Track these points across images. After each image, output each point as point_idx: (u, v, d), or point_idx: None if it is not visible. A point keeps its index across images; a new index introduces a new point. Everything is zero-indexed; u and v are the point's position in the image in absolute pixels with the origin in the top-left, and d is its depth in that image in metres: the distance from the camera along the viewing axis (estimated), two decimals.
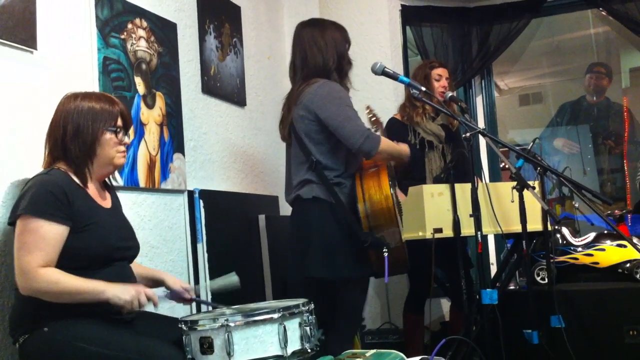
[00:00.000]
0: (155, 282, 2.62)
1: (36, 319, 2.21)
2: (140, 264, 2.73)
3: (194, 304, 3.34)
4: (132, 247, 2.50)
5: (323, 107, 3.12)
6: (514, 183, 3.18)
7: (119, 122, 2.41)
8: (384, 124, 3.74)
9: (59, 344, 2.18)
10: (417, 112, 4.03)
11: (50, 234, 2.18)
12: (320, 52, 3.23)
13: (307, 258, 3.09)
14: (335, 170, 3.17)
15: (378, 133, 3.51)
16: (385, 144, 3.19)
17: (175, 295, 2.61)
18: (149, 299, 2.29)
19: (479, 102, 5.53)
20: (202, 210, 3.53)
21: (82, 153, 2.33)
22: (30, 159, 2.51)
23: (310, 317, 2.34)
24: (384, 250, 2.98)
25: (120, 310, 2.26)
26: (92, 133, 2.34)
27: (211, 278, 3.47)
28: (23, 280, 2.15)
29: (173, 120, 3.49)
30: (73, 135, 2.32)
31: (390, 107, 4.45)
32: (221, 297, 2.77)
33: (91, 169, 2.37)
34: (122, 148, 2.43)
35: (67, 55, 2.86)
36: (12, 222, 2.23)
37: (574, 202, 4.47)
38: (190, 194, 3.54)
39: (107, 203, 2.45)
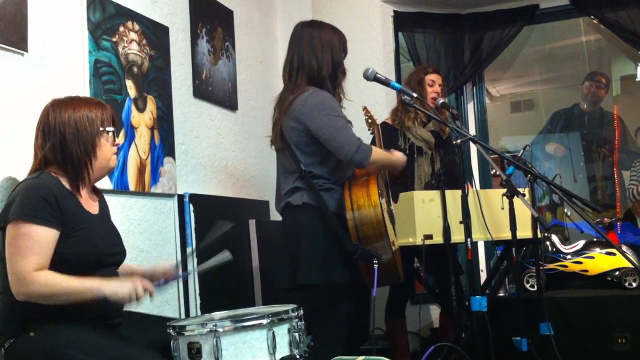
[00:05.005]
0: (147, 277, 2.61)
1: (22, 323, 2.19)
2: (127, 263, 2.70)
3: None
4: (119, 253, 2.49)
5: (313, 119, 3.08)
6: (505, 190, 3.18)
7: (112, 124, 2.42)
8: None
9: (46, 350, 2.15)
10: (409, 117, 4.03)
11: (43, 238, 2.17)
12: (316, 55, 3.18)
13: (299, 265, 3.06)
14: (326, 179, 3.15)
15: (374, 135, 3.51)
16: (377, 154, 3.16)
17: (167, 279, 2.60)
18: (145, 289, 2.27)
19: (470, 109, 5.53)
20: (192, 214, 3.52)
21: (84, 156, 2.33)
22: (19, 161, 2.50)
23: (299, 323, 2.34)
24: (374, 262, 2.95)
25: (109, 314, 2.25)
26: (91, 136, 2.34)
27: (200, 283, 3.46)
28: (19, 285, 2.13)
29: (164, 124, 3.48)
30: (73, 139, 2.31)
31: (382, 112, 4.45)
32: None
33: (91, 172, 2.37)
34: (115, 149, 2.45)
35: (59, 57, 2.84)
36: (1, 227, 2.22)
37: (565, 210, 4.48)
38: (180, 198, 3.53)
39: (94, 209, 2.44)
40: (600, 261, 3.95)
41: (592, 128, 6.00)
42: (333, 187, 3.15)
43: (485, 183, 5.36)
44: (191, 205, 3.52)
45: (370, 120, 3.54)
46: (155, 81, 3.44)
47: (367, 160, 3.07)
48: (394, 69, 5.15)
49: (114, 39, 3.16)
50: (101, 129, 2.36)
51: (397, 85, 3.19)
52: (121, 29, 3.21)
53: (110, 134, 2.41)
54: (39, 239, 2.16)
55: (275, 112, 3.32)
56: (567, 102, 6.22)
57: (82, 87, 2.93)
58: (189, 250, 2.72)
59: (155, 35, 3.47)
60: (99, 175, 2.44)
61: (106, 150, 2.39)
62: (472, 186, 3.43)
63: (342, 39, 3.31)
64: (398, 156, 3.35)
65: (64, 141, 2.30)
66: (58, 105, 2.34)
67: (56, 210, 2.21)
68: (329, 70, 3.20)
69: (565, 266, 4.00)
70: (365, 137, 3.67)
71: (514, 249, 3.33)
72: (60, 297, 2.16)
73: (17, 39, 2.59)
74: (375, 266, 2.93)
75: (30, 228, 2.15)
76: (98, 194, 2.54)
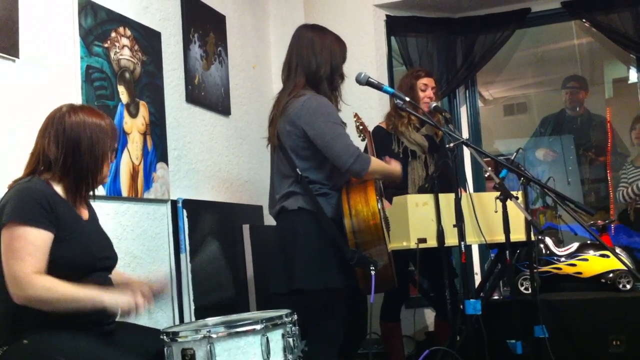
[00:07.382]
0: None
1: (15, 331, 2.18)
2: (124, 273, 2.70)
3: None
4: (111, 257, 2.48)
5: (310, 124, 3.05)
6: (498, 193, 3.18)
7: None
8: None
9: (40, 357, 2.14)
10: (402, 121, 4.02)
11: (39, 240, 2.16)
12: (315, 56, 3.16)
13: (294, 269, 3.05)
14: (322, 184, 3.13)
15: (365, 142, 3.50)
16: (375, 164, 3.14)
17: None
18: (144, 302, 2.26)
19: (463, 112, 5.54)
20: (186, 219, 3.51)
21: (93, 169, 2.33)
22: (7, 168, 2.48)
23: (293, 328, 2.33)
24: (371, 268, 2.94)
25: (102, 320, 2.24)
26: (103, 149, 2.34)
27: (194, 288, 3.45)
28: (17, 288, 2.11)
29: (157, 130, 3.48)
30: (88, 148, 2.30)
31: (376, 116, 4.45)
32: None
33: (94, 185, 2.38)
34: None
35: (50, 63, 2.84)
36: None
37: (557, 213, 4.49)
38: (174, 203, 3.52)
39: (85, 214, 2.43)
40: (594, 263, 3.95)
41: (580, 132, 6.04)
42: (329, 192, 3.14)
43: (479, 186, 5.36)
44: (184, 211, 3.52)
45: (361, 127, 3.52)
46: (148, 87, 3.43)
47: (365, 171, 3.06)
48: (386, 73, 5.15)
49: (106, 45, 3.15)
50: (112, 145, 2.37)
51: (389, 89, 3.18)
52: (113, 34, 3.20)
53: (115, 151, 2.43)
54: (35, 241, 2.15)
55: (272, 110, 3.29)
56: (560, 105, 6.24)
57: (74, 93, 2.93)
58: None
59: (147, 40, 3.46)
60: (95, 187, 2.45)
61: (106, 167, 2.40)
62: (464, 190, 3.42)
63: (343, 48, 3.29)
64: (395, 167, 3.33)
65: (78, 148, 2.29)
66: (72, 112, 2.32)
67: (49, 213, 2.20)
68: (327, 72, 3.18)
69: (560, 269, 4.00)
70: (357, 142, 3.67)
71: (507, 252, 3.33)
72: (59, 304, 2.14)
73: (8, 45, 2.58)
74: (373, 273, 2.92)
75: (25, 230, 2.14)
76: (86, 199, 2.53)
